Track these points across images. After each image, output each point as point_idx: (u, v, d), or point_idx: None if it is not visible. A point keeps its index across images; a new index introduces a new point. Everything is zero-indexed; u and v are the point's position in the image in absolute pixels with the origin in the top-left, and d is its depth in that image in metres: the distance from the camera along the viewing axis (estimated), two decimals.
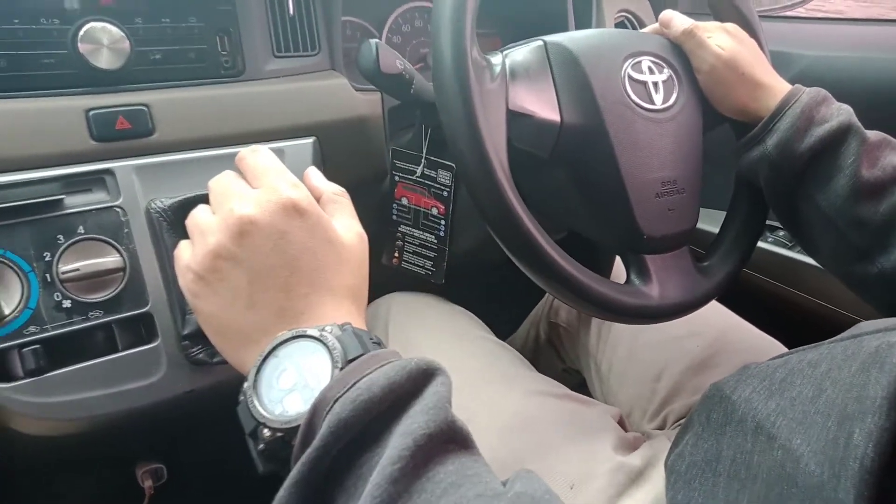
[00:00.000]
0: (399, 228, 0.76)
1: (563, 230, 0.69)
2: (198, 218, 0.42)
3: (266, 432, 0.34)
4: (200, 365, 0.59)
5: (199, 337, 0.58)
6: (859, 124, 0.57)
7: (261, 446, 0.34)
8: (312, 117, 0.66)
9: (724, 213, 0.67)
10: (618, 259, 0.79)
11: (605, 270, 0.83)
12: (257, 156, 0.43)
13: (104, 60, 0.57)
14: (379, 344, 0.37)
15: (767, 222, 0.67)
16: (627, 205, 0.56)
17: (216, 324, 0.40)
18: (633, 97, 0.57)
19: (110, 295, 0.56)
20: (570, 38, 0.57)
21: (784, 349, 0.72)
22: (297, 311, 0.37)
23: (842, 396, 0.41)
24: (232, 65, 0.64)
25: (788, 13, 1.04)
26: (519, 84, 0.54)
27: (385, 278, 0.76)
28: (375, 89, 0.70)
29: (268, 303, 0.38)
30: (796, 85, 0.59)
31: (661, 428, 0.72)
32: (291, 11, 0.67)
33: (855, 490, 0.36)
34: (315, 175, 0.47)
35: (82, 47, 0.56)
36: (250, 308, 0.38)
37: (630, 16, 0.92)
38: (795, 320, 0.79)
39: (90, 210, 0.56)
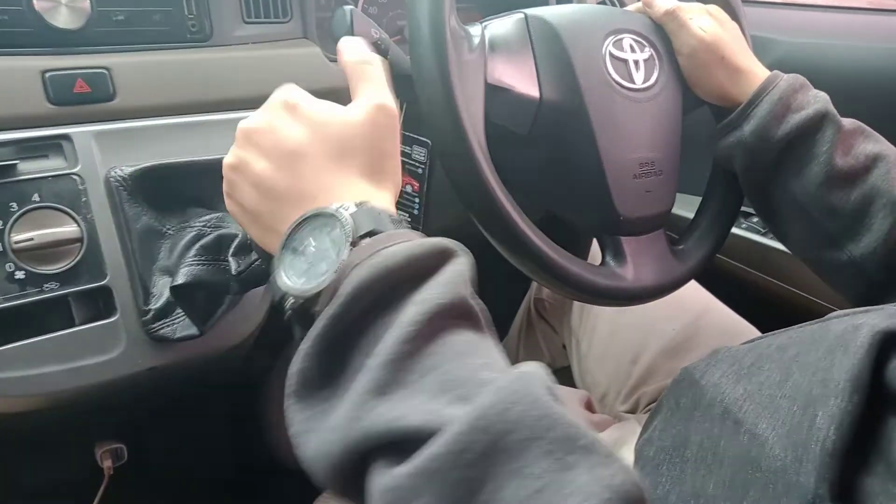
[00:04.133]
0: None
1: (541, 210, 0.68)
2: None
3: (290, 300, 0.36)
4: (162, 341, 0.57)
5: (163, 312, 0.56)
6: (835, 112, 0.57)
7: (288, 313, 0.37)
8: None
9: (700, 198, 0.67)
10: (594, 242, 0.78)
11: (582, 252, 0.82)
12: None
13: (62, 19, 0.54)
14: (402, 223, 0.38)
15: (742, 209, 0.67)
16: (605, 185, 0.56)
17: (246, 219, 0.42)
18: (614, 75, 0.56)
19: (66, 267, 0.54)
20: (552, 13, 0.55)
21: (759, 334, 0.72)
22: (310, 196, 0.39)
23: (808, 380, 0.41)
24: (199, 29, 0.61)
25: None
26: (498, 57, 0.53)
27: None
28: None
29: (283, 198, 0.39)
30: (775, 71, 0.59)
31: (634, 410, 0.72)
32: None
33: (816, 473, 0.36)
34: (345, 48, 0.46)
35: (38, 4, 0.53)
36: (271, 206, 0.40)
37: None
38: (768, 307, 0.80)
39: (46, 177, 0.53)
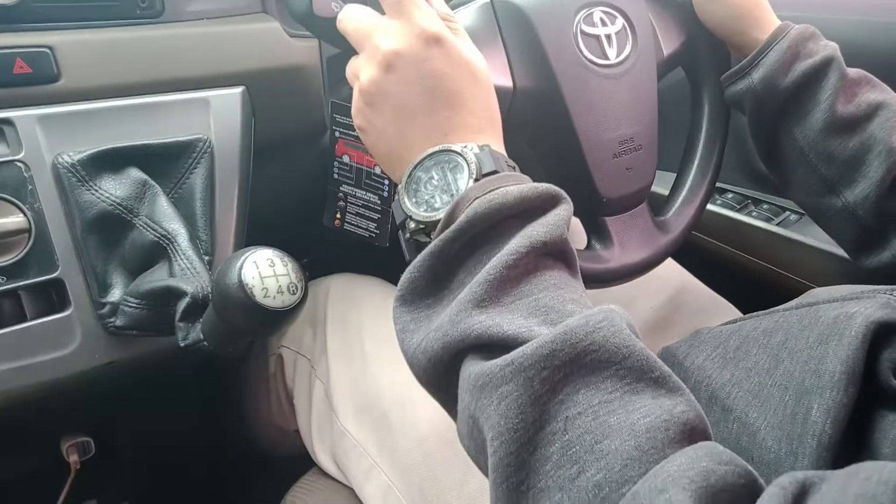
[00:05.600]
0: (341, 188, 0.71)
1: None
2: (351, 65, 0.46)
3: (412, 224, 0.41)
4: (119, 335, 0.54)
5: (118, 305, 0.54)
6: (842, 60, 0.58)
7: (407, 235, 0.42)
8: (240, 64, 0.60)
9: (674, 174, 0.65)
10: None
11: None
12: None
13: None
14: (514, 168, 0.42)
15: (716, 184, 0.66)
16: (585, 168, 0.55)
17: (378, 152, 0.45)
18: (587, 54, 0.54)
19: (14, 259, 0.51)
20: None
21: (736, 311, 0.72)
22: (442, 132, 0.42)
23: (799, 369, 0.40)
24: (149, 4, 0.58)
25: None
26: None
27: (328, 240, 0.73)
28: (312, 35, 0.65)
29: (415, 127, 0.42)
30: (786, 21, 0.59)
31: None
32: None
33: (812, 467, 0.35)
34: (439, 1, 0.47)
35: None
36: (401, 134, 0.43)
37: None
38: (744, 283, 0.79)
39: None
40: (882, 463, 0.26)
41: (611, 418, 0.30)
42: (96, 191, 0.53)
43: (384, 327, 0.67)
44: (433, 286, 0.38)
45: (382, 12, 0.44)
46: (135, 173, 0.54)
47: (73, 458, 0.76)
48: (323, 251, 0.81)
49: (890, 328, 0.39)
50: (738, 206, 0.85)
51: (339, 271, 0.78)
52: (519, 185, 0.38)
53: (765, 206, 0.84)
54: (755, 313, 0.52)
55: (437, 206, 0.40)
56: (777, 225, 0.80)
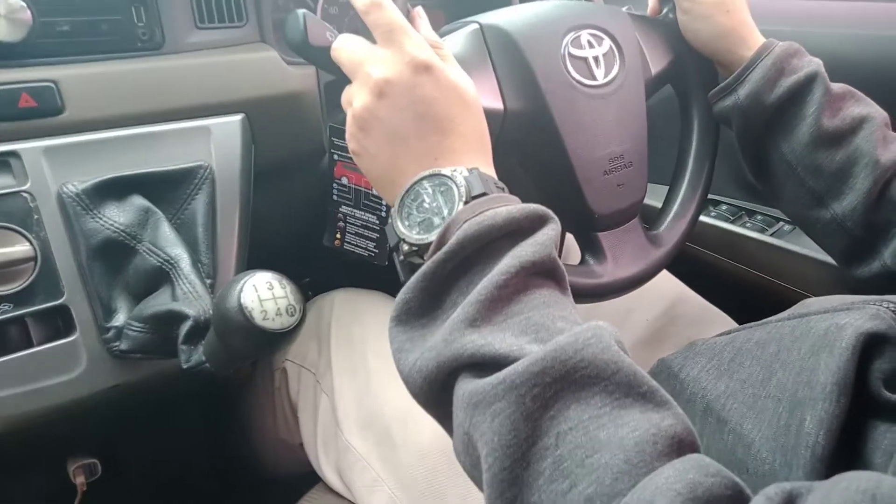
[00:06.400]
0: (340, 209, 0.73)
1: None
2: (345, 92, 0.48)
3: (405, 246, 0.42)
4: (124, 358, 0.56)
5: (122, 330, 0.55)
6: (825, 76, 0.59)
7: (401, 257, 0.43)
8: (240, 93, 0.62)
9: (667, 187, 0.66)
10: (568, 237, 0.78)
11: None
12: (384, 12, 0.44)
13: (2, 32, 0.52)
14: (503, 189, 0.43)
15: (710, 196, 0.67)
16: (577, 186, 0.56)
17: (372, 175, 0.46)
18: (575, 75, 0.55)
19: (20, 287, 0.52)
20: (507, 19, 0.55)
21: (732, 322, 0.73)
22: (432, 156, 0.43)
23: (792, 380, 0.41)
24: (150, 37, 0.59)
25: None
26: None
27: (329, 259, 0.74)
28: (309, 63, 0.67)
29: (406, 152, 0.44)
30: (770, 38, 0.60)
31: None
32: None
33: (806, 478, 0.36)
34: (425, 27, 0.49)
35: None
36: (393, 158, 0.44)
37: None
38: (739, 294, 0.80)
39: None
40: (862, 472, 0.27)
41: (601, 433, 0.31)
42: (100, 218, 0.54)
43: (387, 343, 0.68)
44: (427, 307, 0.39)
45: (374, 41, 0.46)
46: (138, 201, 0.56)
47: (80, 480, 0.77)
48: (324, 270, 0.82)
49: (879, 339, 0.40)
50: (733, 218, 0.86)
51: (341, 287, 0.79)
52: (507, 206, 0.39)
53: (759, 217, 0.84)
54: (749, 324, 0.52)
55: (428, 228, 0.41)
56: (771, 235, 0.81)
